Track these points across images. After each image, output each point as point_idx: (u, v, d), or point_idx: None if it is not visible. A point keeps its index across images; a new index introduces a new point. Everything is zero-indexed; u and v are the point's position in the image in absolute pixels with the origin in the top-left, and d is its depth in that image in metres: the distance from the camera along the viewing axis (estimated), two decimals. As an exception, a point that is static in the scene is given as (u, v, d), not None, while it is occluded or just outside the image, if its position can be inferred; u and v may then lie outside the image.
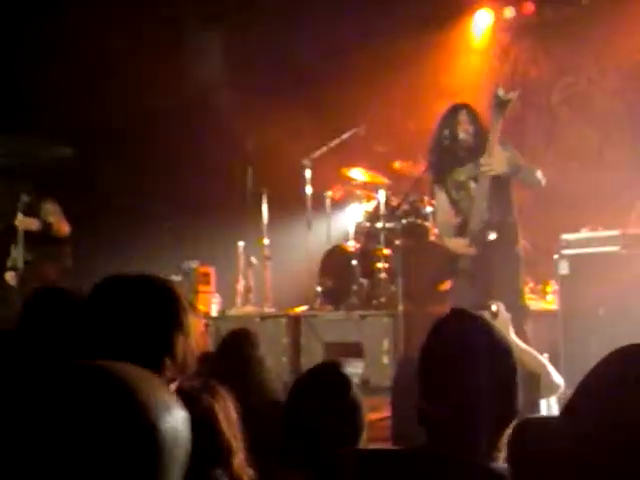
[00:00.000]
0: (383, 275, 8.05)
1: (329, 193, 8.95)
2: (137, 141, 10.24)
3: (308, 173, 8.91)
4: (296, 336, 7.90)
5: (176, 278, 9.42)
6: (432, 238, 8.16)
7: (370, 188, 8.76)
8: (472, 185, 5.94)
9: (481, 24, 10.05)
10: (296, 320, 8.04)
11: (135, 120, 9.98)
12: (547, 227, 7.58)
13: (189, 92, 10.27)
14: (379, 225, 8.18)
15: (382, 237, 8.16)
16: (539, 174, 5.92)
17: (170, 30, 10.10)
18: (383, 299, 7.97)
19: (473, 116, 6.03)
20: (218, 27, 10.54)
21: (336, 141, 8.90)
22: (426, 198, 8.31)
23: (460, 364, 2.23)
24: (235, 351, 3.97)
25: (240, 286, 9.54)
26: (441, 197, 6.23)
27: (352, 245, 8.41)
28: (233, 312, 9.12)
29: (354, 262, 8.19)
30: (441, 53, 10.01)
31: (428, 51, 9.89)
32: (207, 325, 8.50)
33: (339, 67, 9.81)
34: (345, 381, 2.82)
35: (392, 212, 8.07)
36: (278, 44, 10.01)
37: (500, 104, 5.70)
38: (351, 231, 8.64)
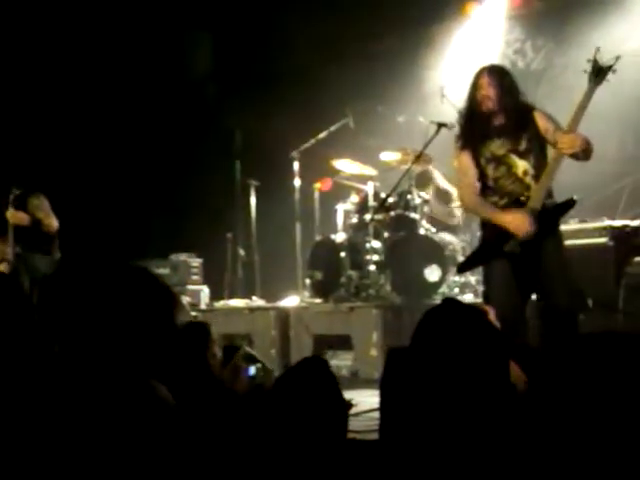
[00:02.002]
0: (372, 267, 8.06)
1: (318, 185, 8.95)
2: (125, 132, 10.23)
3: (296, 165, 8.90)
4: (285, 328, 7.90)
5: (164, 270, 9.43)
6: (421, 230, 8.17)
7: (359, 180, 8.76)
8: (514, 159, 5.16)
9: (469, 16, 10.06)
10: (285, 312, 8.03)
11: (125, 111, 9.98)
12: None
13: (179, 84, 10.26)
14: (368, 217, 8.18)
15: (371, 229, 8.16)
16: (592, 147, 5.17)
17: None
18: (372, 291, 7.98)
19: (497, 78, 5.22)
20: (207, 23, 10.52)
21: (324, 133, 8.90)
22: (415, 190, 8.31)
23: (450, 355, 2.23)
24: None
25: (228, 278, 9.54)
26: (469, 175, 5.35)
27: (341, 237, 8.41)
28: (221, 304, 9.11)
29: (343, 254, 8.19)
30: (429, 47, 10.02)
31: (416, 45, 9.91)
32: (195, 317, 8.51)
33: (327, 59, 9.81)
34: (329, 379, 2.79)
35: (381, 204, 8.06)
36: (267, 37, 10.00)
37: (598, 72, 4.92)
38: (340, 223, 8.63)
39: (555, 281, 5.02)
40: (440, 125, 7.52)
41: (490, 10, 9.99)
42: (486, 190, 5.28)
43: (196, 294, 9.53)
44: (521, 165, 5.14)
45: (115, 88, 9.98)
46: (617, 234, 6.71)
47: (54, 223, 7.88)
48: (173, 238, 10.19)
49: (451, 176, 8.93)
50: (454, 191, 8.76)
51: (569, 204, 5.11)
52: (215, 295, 9.59)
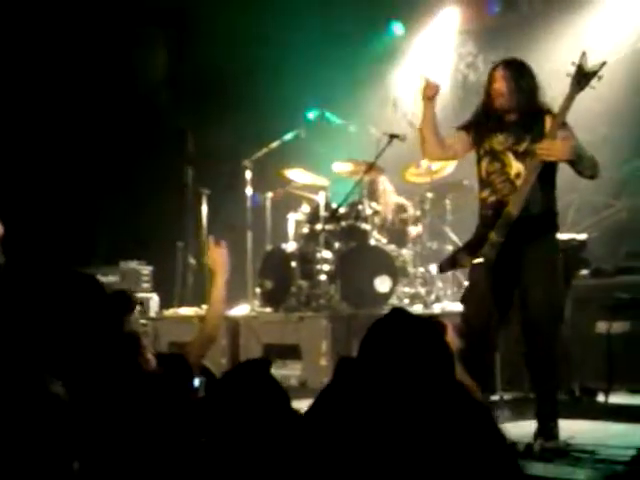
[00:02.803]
0: (322, 277, 8.07)
1: (269, 194, 8.94)
2: (75, 135, 10.13)
3: (248, 174, 8.90)
4: (235, 337, 7.88)
5: (113, 278, 9.35)
6: (372, 241, 8.20)
7: (310, 190, 8.78)
8: (510, 159, 4.95)
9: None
10: (235, 321, 8.02)
11: (74, 114, 9.90)
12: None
13: (129, 88, 10.21)
14: (319, 227, 8.20)
15: (322, 239, 8.18)
16: (598, 166, 4.97)
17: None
18: (322, 301, 7.99)
19: (513, 72, 4.97)
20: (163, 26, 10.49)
21: (277, 143, 8.90)
22: (366, 201, 8.34)
23: (396, 365, 2.24)
24: None
25: (178, 286, 9.50)
26: (454, 133, 5.23)
27: (292, 247, 8.41)
28: (171, 313, 9.06)
29: (293, 264, 8.20)
30: (382, 58, 10.10)
31: (370, 56, 9.99)
32: (145, 325, 8.46)
33: (280, 67, 9.83)
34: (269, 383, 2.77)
35: (332, 214, 8.09)
36: (220, 42, 9.99)
37: (581, 76, 4.68)
38: (291, 233, 8.64)
39: (530, 295, 4.87)
40: (392, 136, 7.58)
41: (443, 24, 10.09)
42: (479, 183, 5.13)
43: (146, 302, 9.46)
44: (515, 166, 4.95)
45: (62, 89, 9.88)
46: (564, 247, 6.79)
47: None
48: (123, 245, 10.11)
49: (402, 187, 9.02)
50: (406, 202, 8.83)
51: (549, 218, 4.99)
52: (165, 303, 9.53)
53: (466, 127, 5.17)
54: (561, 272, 5.13)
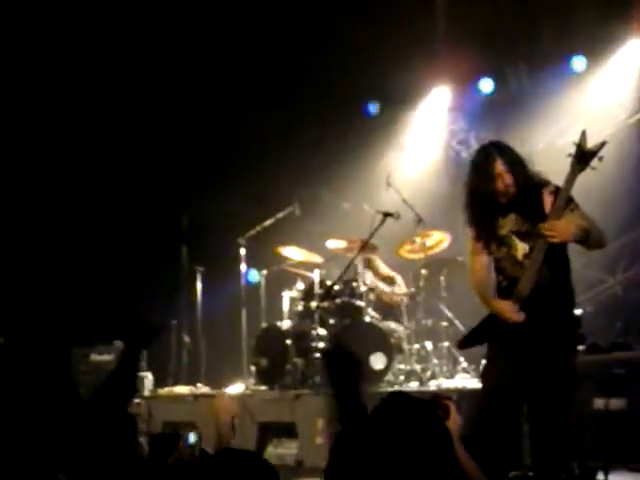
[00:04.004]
0: (318, 354, 8.04)
1: (264, 272, 8.96)
2: (69, 213, 10.16)
3: (243, 251, 8.93)
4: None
5: (108, 357, 9.30)
6: (367, 318, 8.19)
7: (305, 267, 8.80)
8: (515, 241, 4.89)
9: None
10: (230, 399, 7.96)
11: (69, 196, 9.95)
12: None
13: (127, 166, 10.27)
14: (314, 304, 8.20)
15: (317, 316, 8.18)
16: (605, 235, 4.91)
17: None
18: (318, 378, 7.95)
19: (511, 162, 4.91)
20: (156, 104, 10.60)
21: (271, 220, 8.96)
22: (360, 278, 8.36)
23: (394, 451, 2.23)
24: None
25: (173, 365, 9.45)
26: (481, 258, 5.07)
27: (287, 324, 8.40)
28: (166, 391, 9.00)
29: (288, 341, 8.18)
30: (376, 136, 10.23)
31: (363, 133, 10.11)
32: (139, 405, 8.39)
33: (274, 146, 9.93)
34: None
35: (327, 292, 8.09)
36: (215, 121, 10.10)
37: (581, 156, 4.65)
38: (286, 310, 8.64)
39: (543, 377, 4.71)
40: (386, 215, 7.63)
41: (435, 101, 10.24)
42: (495, 269, 5.02)
43: (140, 380, 9.39)
44: (521, 248, 4.88)
45: (55, 168, 9.95)
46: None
47: None
48: (117, 323, 10.06)
49: (395, 262, 9.05)
50: (396, 276, 8.86)
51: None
52: (159, 382, 9.47)
53: (477, 237, 5.07)
54: (575, 352, 5.05)
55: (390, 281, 8.81)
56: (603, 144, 4.66)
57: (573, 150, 4.68)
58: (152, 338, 3.58)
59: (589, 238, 4.77)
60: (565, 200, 4.72)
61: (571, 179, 4.69)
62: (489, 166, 4.91)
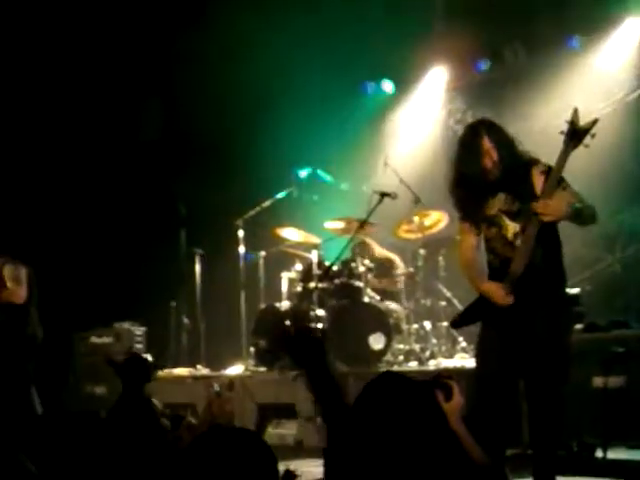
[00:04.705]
0: (317, 335, 8.05)
1: (262, 253, 8.97)
2: (67, 197, 10.16)
3: (241, 233, 8.93)
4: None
5: (107, 339, 9.32)
6: (365, 298, 8.20)
7: (303, 248, 8.80)
8: (505, 221, 4.85)
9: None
10: (230, 381, 7.97)
11: (68, 177, 9.95)
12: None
13: (124, 152, 10.27)
14: (312, 285, 8.21)
15: (315, 297, 8.18)
16: (596, 211, 4.83)
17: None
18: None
19: (498, 139, 4.87)
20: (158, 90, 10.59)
21: (269, 202, 8.95)
22: (359, 258, 8.36)
23: (387, 429, 2.23)
24: None
25: (172, 347, 9.47)
26: (468, 239, 5.05)
27: (285, 305, 8.41)
28: (165, 373, 9.02)
29: (287, 322, 8.19)
30: (374, 116, 10.22)
31: (361, 114, 10.10)
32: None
33: (272, 127, 9.90)
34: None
35: (325, 272, 8.10)
36: (211, 104, 10.07)
37: (573, 134, 4.61)
38: (285, 291, 8.64)
39: (537, 355, 4.70)
40: (383, 195, 7.62)
41: (432, 81, 10.22)
42: (486, 249, 4.99)
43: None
44: (511, 227, 4.84)
45: (52, 153, 9.94)
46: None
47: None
48: (117, 306, 10.08)
49: (393, 242, 9.05)
50: (394, 257, 8.86)
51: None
52: (159, 364, 9.48)
53: (464, 217, 5.05)
54: (569, 329, 5.07)
55: (388, 263, 8.81)
56: (595, 121, 4.61)
57: (566, 128, 4.63)
58: (151, 373, 3.61)
59: (581, 216, 4.74)
60: (557, 179, 4.67)
61: (563, 157, 4.65)
62: (476, 143, 4.86)
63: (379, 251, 8.89)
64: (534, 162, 4.87)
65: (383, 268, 8.71)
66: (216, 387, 6.67)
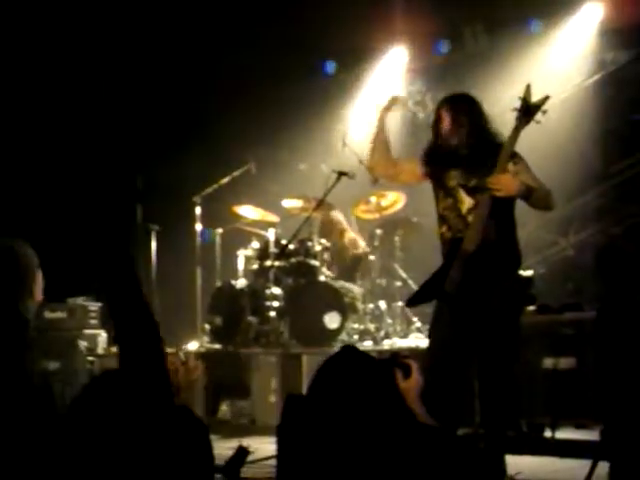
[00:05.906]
0: (272, 314, 8.06)
1: (219, 230, 8.94)
2: (24, 169, 10.05)
3: (198, 210, 8.89)
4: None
5: (61, 314, 9.24)
6: (321, 277, 8.22)
7: (260, 226, 8.79)
8: (462, 195, 4.91)
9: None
10: (184, 357, 7.96)
11: (24, 151, 9.83)
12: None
13: (82, 125, 10.16)
14: (268, 263, 8.20)
15: (271, 275, 8.18)
16: (552, 197, 4.92)
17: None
18: (272, 337, 7.98)
19: (457, 109, 4.98)
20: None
21: (227, 179, 8.92)
22: (315, 237, 8.37)
23: (343, 405, 2.25)
24: None
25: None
26: (413, 163, 5.21)
27: (241, 283, 8.41)
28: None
29: (243, 300, 8.19)
30: (332, 95, 10.19)
31: (320, 92, 10.07)
32: (92, 363, 8.39)
33: (231, 104, 9.85)
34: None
35: (282, 251, 8.10)
36: (171, 80, 10.01)
37: (526, 110, 4.70)
38: (241, 269, 8.63)
39: (487, 333, 4.74)
40: (341, 174, 7.62)
41: (391, 62, 10.21)
42: (437, 219, 5.07)
43: (94, 339, 9.36)
44: (467, 201, 4.89)
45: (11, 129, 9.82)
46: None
47: None
48: (71, 281, 10.00)
49: (352, 223, 9.07)
50: (358, 237, 8.89)
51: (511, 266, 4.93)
52: (113, 340, 9.44)
53: (422, 159, 5.15)
54: (520, 310, 5.12)
55: (352, 243, 8.85)
56: (547, 98, 4.71)
57: (518, 104, 4.72)
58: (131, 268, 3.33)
59: (533, 195, 4.78)
60: (509, 154, 4.74)
61: (516, 133, 4.72)
62: (437, 109, 5.06)
63: (348, 234, 8.89)
64: (502, 144, 4.88)
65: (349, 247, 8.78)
66: (182, 356, 6.67)
